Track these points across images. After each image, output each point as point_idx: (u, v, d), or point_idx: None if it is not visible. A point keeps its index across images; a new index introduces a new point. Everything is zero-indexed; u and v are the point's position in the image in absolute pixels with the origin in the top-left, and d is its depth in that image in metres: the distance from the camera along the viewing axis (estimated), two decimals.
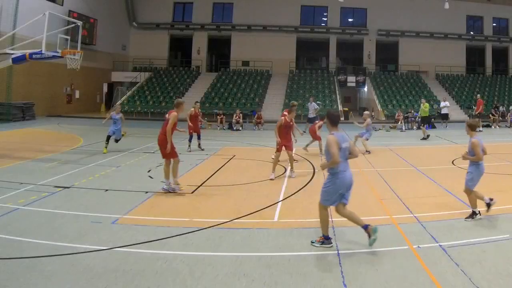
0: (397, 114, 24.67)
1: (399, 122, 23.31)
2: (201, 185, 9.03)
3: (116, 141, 13.58)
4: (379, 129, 22.51)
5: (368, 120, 14.21)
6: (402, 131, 22.25)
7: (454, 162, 11.86)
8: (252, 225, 6.36)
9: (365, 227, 5.45)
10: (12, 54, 13.40)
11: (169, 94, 31.50)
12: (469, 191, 6.72)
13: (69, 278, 4.56)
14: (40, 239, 5.63)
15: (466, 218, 6.62)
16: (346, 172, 5.49)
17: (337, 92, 32.13)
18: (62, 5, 27.86)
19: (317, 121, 14.01)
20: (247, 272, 4.76)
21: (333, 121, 5.55)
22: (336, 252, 5.32)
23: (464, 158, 6.90)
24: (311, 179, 9.66)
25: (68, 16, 24.88)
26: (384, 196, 8.09)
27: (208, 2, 37.18)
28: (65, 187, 8.55)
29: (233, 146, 15.47)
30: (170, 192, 8.21)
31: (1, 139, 16.20)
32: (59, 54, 13.35)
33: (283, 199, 7.90)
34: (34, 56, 13.00)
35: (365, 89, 34.69)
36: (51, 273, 4.67)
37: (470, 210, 6.99)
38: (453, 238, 5.72)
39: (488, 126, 23.93)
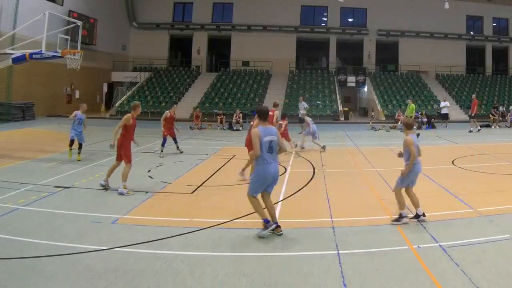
0: (397, 114, 24.66)
1: (399, 122, 23.27)
2: (201, 185, 9.02)
3: (80, 145, 11.97)
4: (379, 129, 22.51)
5: (306, 118, 14.85)
6: (402, 131, 22.20)
7: (454, 162, 11.86)
8: (252, 225, 6.36)
9: (266, 221, 5.87)
10: (12, 54, 13.40)
11: (169, 94, 31.51)
12: (397, 191, 6.50)
13: (69, 278, 4.56)
14: (40, 239, 5.63)
15: (392, 220, 6.39)
16: (270, 164, 5.87)
17: (337, 92, 32.13)
18: (62, 5, 27.85)
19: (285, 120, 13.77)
20: (247, 272, 4.76)
21: (262, 116, 6.05)
22: (336, 252, 5.32)
23: (399, 155, 6.80)
24: (311, 179, 9.65)
25: (68, 16, 24.86)
26: (384, 196, 8.08)
27: (208, 2, 37.17)
28: (65, 187, 8.55)
29: (233, 146, 15.45)
30: (123, 195, 8.06)
31: (1, 139, 16.19)
32: (59, 54, 13.35)
33: (283, 199, 7.89)
34: (34, 56, 13.00)
35: (365, 89, 34.68)
36: (51, 273, 4.67)
37: (470, 210, 7.00)
38: (453, 238, 5.72)
39: (488, 126, 23.93)
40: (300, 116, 20.66)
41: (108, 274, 4.66)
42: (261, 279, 4.59)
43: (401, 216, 6.38)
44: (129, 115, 8.56)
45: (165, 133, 13.10)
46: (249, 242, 5.73)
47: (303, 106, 20.70)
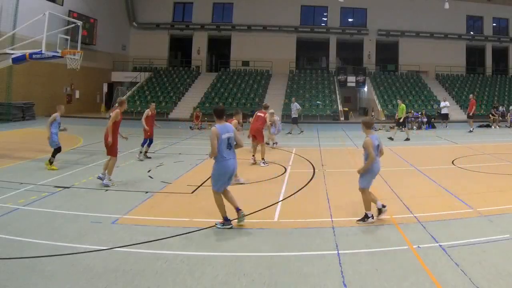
0: (397, 114, 24.62)
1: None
2: (201, 185, 9.02)
3: (56, 151, 10.70)
4: (379, 129, 22.51)
5: (274, 118, 15.32)
6: (401, 131, 22.21)
7: (454, 162, 11.86)
8: (252, 225, 6.36)
9: (226, 219, 6.20)
10: (12, 54, 13.41)
11: (169, 94, 31.52)
12: (361, 190, 6.53)
13: (69, 278, 4.56)
14: (40, 239, 5.63)
15: (357, 220, 6.44)
16: (228, 160, 6.16)
17: (337, 92, 32.14)
18: (62, 5, 27.86)
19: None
20: (247, 272, 4.76)
21: (218, 115, 6.34)
22: (336, 252, 5.32)
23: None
24: (311, 179, 9.65)
25: (68, 16, 24.89)
26: (384, 196, 8.08)
27: (208, 2, 37.18)
28: (65, 187, 8.55)
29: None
30: (108, 186, 8.65)
31: (1, 139, 16.20)
32: (59, 54, 13.36)
33: (283, 199, 7.89)
34: (34, 56, 13.01)
35: (365, 89, 34.69)
36: (51, 273, 4.67)
37: (470, 210, 7.00)
38: (453, 238, 5.72)
39: (488, 126, 23.94)
40: (292, 116, 20.70)
41: (108, 274, 4.66)
42: (261, 279, 4.59)
43: (366, 217, 6.45)
44: (117, 110, 9.03)
45: (149, 134, 12.32)
46: (249, 242, 5.73)
47: (295, 107, 20.79)
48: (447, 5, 32.06)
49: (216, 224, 6.21)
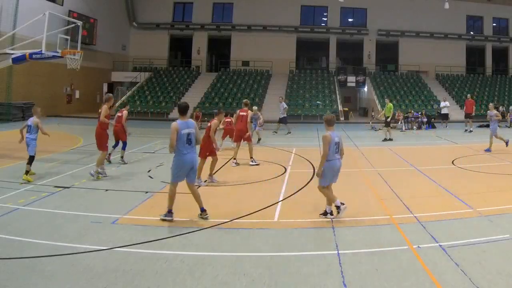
0: (397, 114, 24.64)
1: (399, 122, 23.30)
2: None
3: (31, 158, 9.37)
4: (379, 129, 22.50)
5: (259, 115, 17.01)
6: (402, 131, 22.24)
7: (454, 162, 11.87)
8: (252, 225, 6.36)
9: (202, 209, 6.57)
10: (12, 54, 13.42)
11: (169, 94, 31.52)
12: (320, 188, 6.69)
13: (69, 278, 4.56)
14: (40, 239, 5.63)
15: (320, 214, 6.72)
16: (187, 155, 6.42)
17: (337, 92, 32.14)
18: (62, 5, 27.86)
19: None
20: (247, 272, 4.76)
21: (180, 111, 6.61)
22: (336, 252, 5.32)
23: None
24: (311, 179, 9.65)
25: (68, 16, 24.89)
26: (384, 196, 8.09)
27: (208, 2, 37.18)
28: (65, 187, 8.55)
29: (233, 146, 15.43)
30: (100, 175, 9.29)
31: (1, 139, 16.19)
32: (59, 54, 13.37)
33: (283, 199, 7.89)
34: (34, 56, 13.02)
35: (365, 89, 34.69)
36: (51, 273, 4.67)
37: (470, 210, 7.01)
38: (453, 238, 5.72)
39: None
40: (280, 116, 20.76)
41: (108, 274, 4.66)
42: (261, 279, 4.59)
43: (326, 212, 6.67)
44: (105, 106, 9.51)
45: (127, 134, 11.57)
46: (249, 242, 5.73)
47: (282, 106, 20.83)
48: (447, 5, 32.06)
49: (160, 215, 6.52)
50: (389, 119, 18.04)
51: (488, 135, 14.42)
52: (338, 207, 6.57)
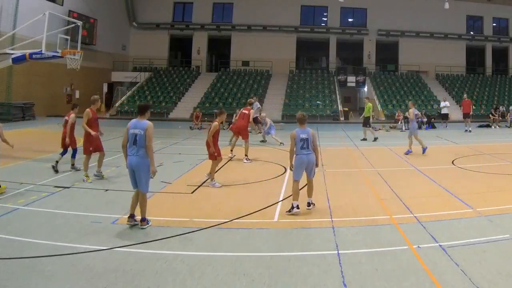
0: (397, 114, 24.67)
1: (399, 122, 23.30)
2: (201, 185, 9.02)
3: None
4: (379, 129, 22.51)
5: (266, 119, 17.18)
6: (402, 131, 22.23)
7: (454, 162, 11.86)
8: (252, 225, 6.36)
9: (132, 216, 6.22)
10: (12, 54, 13.42)
11: (169, 94, 31.51)
12: (293, 181, 7.11)
13: (69, 278, 4.56)
14: (40, 239, 5.63)
15: (286, 212, 6.96)
16: (129, 157, 6.17)
17: (337, 92, 32.13)
18: (62, 5, 27.85)
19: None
20: (247, 272, 4.76)
21: (140, 111, 6.36)
22: (336, 252, 5.32)
23: None
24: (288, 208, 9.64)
25: (68, 16, 24.88)
26: (384, 196, 8.09)
27: (208, 2, 37.17)
28: (65, 187, 8.55)
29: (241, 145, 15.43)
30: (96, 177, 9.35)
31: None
32: (59, 54, 13.37)
33: (283, 199, 7.89)
34: (34, 56, 13.03)
35: (365, 89, 34.68)
36: (51, 273, 4.67)
37: (470, 210, 7.01)
38: (453, 238, 5.72)
39: (488, 126, 23.94)
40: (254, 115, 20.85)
41: (108, 274, 4.66)
42: (261, 279, 4.59)
43: (292, 207, 6.92)
44: (88, 110, 9.62)
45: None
46: (249, 242, 5.73)
47: (256, 105, 20.89)
48: (447, 5, 32.05)
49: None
50: (370, 119, 17.96)
51: (488, 135, 14.35)
52: (291, 208, 6.95)
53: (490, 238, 5.72)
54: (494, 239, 5.66)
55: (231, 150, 12.01)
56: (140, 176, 6.09)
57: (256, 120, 20.50)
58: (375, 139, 17.16)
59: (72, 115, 10.44)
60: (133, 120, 6.27)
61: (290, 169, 7.24)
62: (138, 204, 6.21)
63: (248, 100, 12.92)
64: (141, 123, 6.17)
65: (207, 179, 9.26)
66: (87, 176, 9.20)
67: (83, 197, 7.99)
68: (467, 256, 5.12)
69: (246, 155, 11.74)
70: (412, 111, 13.79)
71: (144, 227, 6.13)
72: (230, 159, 11.75)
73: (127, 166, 6.21)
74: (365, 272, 4.74)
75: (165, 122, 26.20)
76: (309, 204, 7.20)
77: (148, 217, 6.26)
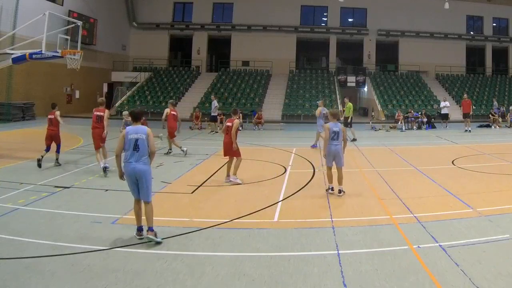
0: (397, 114, 24.66)
1: (399, 122, 23.30)
2: (201, 185, 9.02)
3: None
4: (379, 129, 22.52)
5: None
6: (402, 131, 22.24)
7: (454, 162, 11.86)
8: (252, 225, 6.37)
9: (140, 229, 5.76)
10: (12, 54, 13.40)
11: (169, 94, 31.49)
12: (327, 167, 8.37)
13: (69, 278, 4.56)
14: (40, 239, 5.63)
15: (326, 190, 8.22)
16: (130, 164, 5.68)
17: (337, 92, 32.12)
18: (62, 5, 27.84)
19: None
20: (247, 272, 4.76)
21: (134, 117, 6.02)
22: (336, 252, 5.32)
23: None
24: (311, 179, 9.65)
25: (68, 16, 24.86)
26: (384, 196, 8.09)
27: (208, 2, 37.16)
28: (65, 187, 8.55)
29: None
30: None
31: (1, 139, 16.19)
32: (59, 54, 13.35)
33: (283, 199, 7.90)
34: (34, 56, 13.01)
35: (365, 89, 34.67)
36: (51, 273, 4.67)
37: (470, 210, 7.01)
38: (453, 238, 5.72)
39: (488, 126, 23.94)
40: (212, 114, 21.03)
41: (108, 274, 4.66)
42: (261, 279, 4.59)
43: (328, 188, 8.10)
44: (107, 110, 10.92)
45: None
46: (249, 242, 5.73)
47: (214, 104, 21.09)
48: (447, 5, 32.04)
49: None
50: (349, 120, 17.87)
51: (488, 135, 14.36)
52: (328, 188, 8.32)
53: (490, 238, 5.72)
54: (494, 239, 5.66)
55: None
56: (145, 184, 5.69)
57: (215, 119, 20.73)
58: (353, 139, 17.10)
59: (57, 112, 11.64)
60: (130, 127, 5.86)
61: (323, 156, 8.44)
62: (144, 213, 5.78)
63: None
64: (142, 128, 5.84)
65: (229, 179, 9.28)
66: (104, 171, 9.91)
67: (83, 197, 7.99)
68: (467, 256, 5.12)
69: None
70: (320, 110, 15.32)
71: (156, 239, 5.59)
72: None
73: (121, 176, 5.82)
74: (365, 272, 4.74)
75: (165, 122, 26.16)
76: (340, 191, 8.13)
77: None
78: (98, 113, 10.75)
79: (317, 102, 16.89)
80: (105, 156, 10.54)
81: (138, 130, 5.80)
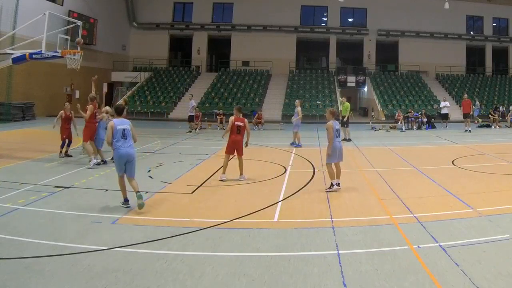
0: (397, 114, 24.68)
1: (399, 122, 23.31)
2: (201, 185, 9.02)
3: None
4: (379, 129, 22.52)
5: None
6: (402, 131, 22.25)
7: (454, 162, 11.87)
8: (252, 225, 6.36)
9: (125, 200, 7.14)
10: (12, 54, 13.39)
11: (169, 94, 31.51)
12: (327, 165, 8.59)
13: (69, 278, 4.56)
14: (40, 239, 5.63)
15: (326, 189, 8.42)
16: (121, 149, 7.05)
17: (337, 92, 32.12)
18: (62, 5, 27.85)
19: None
20: (247, 272, 4.76)
21: (116, 112, 7.51)
22: (336, 252, 5.32)
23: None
24: (311, 179, 9.65)
25: (68, 16, 24.85)
26: (384, 196, 8.09)
27: (208, 2, 37.17)
28: (65, 187, 8.55)
29: None
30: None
31: (1, 139, 16.19)
32: (59, 54, 13.34)
33: (283, 199, 7.90)
34: (34, 56, 13.00)
35: (365, 89, 34.68)
36: (51, 273, 4.67)
37: (470, 210, 7.01)
38: (453, 238, 5.72)
39: (488, 126, 23.95)
40: (189, 114, 20.94)
41: (108, 274, 4.66)
42: (261, 279, 4.59)
43: (332, 185, 8.21)
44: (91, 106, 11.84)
45: (64, 135, 12.31)
46: (249, 242, 5.73)
47: (191, 104, 21.15)
48: (447, 5, 32.05)
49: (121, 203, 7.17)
50: (345, 119, 17.72)
51: (488, 135, 14.36)
52: (331, 185, 8.45)
53: (490, 238, 5.72)
54: (494, 239, 5.66)
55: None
56: (134, 164, 7.20)
57: (191, 119, 20.76)
58: (349, 139, 17.10)
59: (68, 112, 12.93)
60: (116, 119, 7.24)
61: (327, 154, 8.52)
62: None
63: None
64: (125, 120, 7.32)
65: (244, 177, 9.57)
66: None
67: (83, 197, 7.99)
68: (467, 256, 5.11)
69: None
70: (300, 110, 15.80)
71: (141, 198, 7.00)
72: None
73: (119, 157, 7.05)
74: (365, 272, 4.74)
75: (165, 122, 26.22)
76: (338, 184, 8.48)
77: (148, 217, 6.24)
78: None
79: (296, 101, 16.99)
80: (94, 152, 11.12)
81: (123, 122, 7.24)
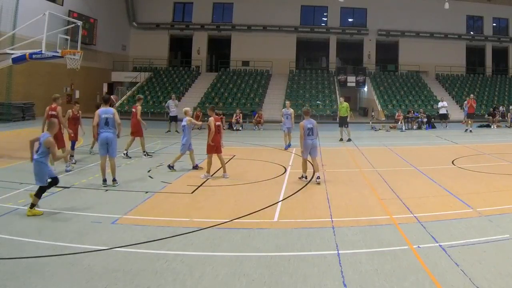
0: (397, 114, 24.67)
1: (399, 122, 23.31)
2: (201, 185, 9.03)
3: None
4: (379, 129, 22.52)
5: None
6: (402, 131, 22.25)
7: (454, 162, 11.87)
8: (252, 225, 6.36)
9: (104, 180, 8.62)
10: (12, 54, 13.39)
11: (169, 94, 31.45)
12: (302, 159, 9.57)
13: (69, 278, 4.56)
14: (40, 239, 5.63)
15: (298, 177, 9.39)
16: (102, 133, 8.62)
17: (337, 92, 32.12)
18: (62, 5, 27.82)
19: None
20: (247, 272, 4.76)
21: (104, 101, 9.31)
22: (336, 252, 5.32)
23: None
24: (311, 179, 9.65)
25: (68, 16, 24.84)
26: (384, 196, 8.09)
27: (208, 2, 37.15)
28: (65, 187, 8.55)
29: (233, 146, 15.44)
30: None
31: (1, 139, 16.18)
32: (59, 54, 13.34)
33: (283, 199, 7.90)
34: (34, 56, 13.00)
35: (365, 89, 34.67)
36: (51, 273, 4.67)
37: (470, 210, 7.02)
38: (453, 238, 5.72)
39: (488, 126, 23.95)
40: (171, 114, 20.83)
41: (108, 274, 4.66)
42: (261, 279, 4.59)
43: (302, 176, 9.24)
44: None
45: (72, 136, 11.61)
46: (249, 242, 5.73)
47: (169, 104, 21.16)
48: (447, 5, 32.03)
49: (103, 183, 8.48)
50: (348, 119, 17.68)
51: (488, 135, 14.35)
52: (301, 176, 9.42)
53: (490, 238, 5.72)
54: (494, 239, 5.66)
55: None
56: (113, 146, 8.68)
57: (175, 119, 20.58)
58: (349, 139, 17.09)
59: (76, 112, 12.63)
60: (101, 108, 8.84)
61: (302, 151, 9.42)
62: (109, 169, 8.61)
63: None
64: (109, 110, 8.87)
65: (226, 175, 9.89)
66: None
67: (83, 197, 7.99)
68: (467, 256, 5.12)
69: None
70: (293, 111, 15.81)
71: (116, 185, 8.58)
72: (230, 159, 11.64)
73: (101, 140, 8.61)
74: (365, 272, 4.74)
75: (165, 122, 26.18)
76: (318, 177, 9.13)
77: (148, 217, 6.21)
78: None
79: (286, 102, 16.94)
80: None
81: (108, 111, 8.81)
